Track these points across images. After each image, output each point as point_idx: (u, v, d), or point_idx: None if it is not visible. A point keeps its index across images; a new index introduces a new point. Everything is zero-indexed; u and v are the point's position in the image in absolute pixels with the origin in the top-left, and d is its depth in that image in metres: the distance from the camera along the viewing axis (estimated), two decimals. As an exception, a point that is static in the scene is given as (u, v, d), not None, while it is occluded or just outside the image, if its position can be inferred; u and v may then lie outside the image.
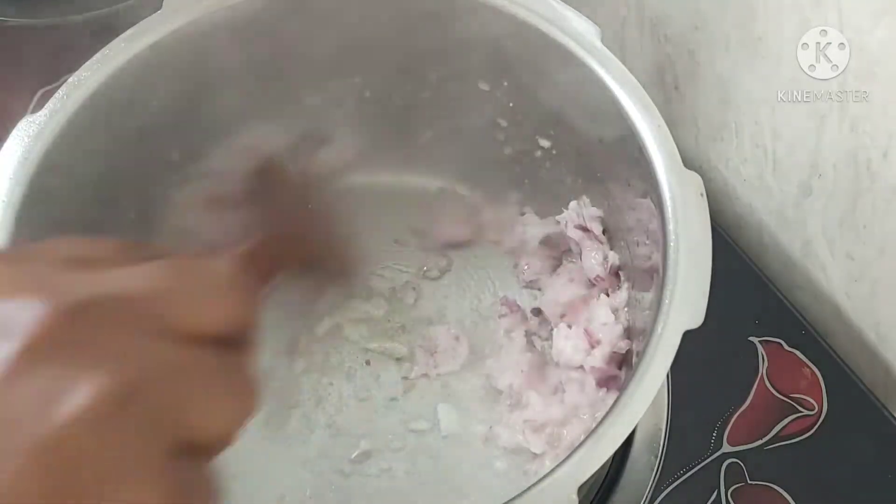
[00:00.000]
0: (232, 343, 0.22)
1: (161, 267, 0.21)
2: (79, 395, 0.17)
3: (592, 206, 0.49)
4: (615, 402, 0.33)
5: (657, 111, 0.40)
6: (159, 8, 0.44)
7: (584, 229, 0.49)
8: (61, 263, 0.21)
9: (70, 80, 0.42)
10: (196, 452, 0.20)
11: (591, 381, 0.45)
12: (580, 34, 0.42)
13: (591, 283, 0.49)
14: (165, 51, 0.44)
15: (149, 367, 0.19)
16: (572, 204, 0.50)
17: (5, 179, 0.39)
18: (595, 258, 0.48)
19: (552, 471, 0.32)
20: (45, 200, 0.40)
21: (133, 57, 0.43)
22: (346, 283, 0.47)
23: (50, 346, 0.18)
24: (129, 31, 0.43)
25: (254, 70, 0.49)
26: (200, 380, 0.20)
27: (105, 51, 0.43)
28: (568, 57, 0.42)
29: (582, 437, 0.33)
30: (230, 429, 0.21)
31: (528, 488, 0.32)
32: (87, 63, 0.42)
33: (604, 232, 0.49)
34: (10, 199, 0.39)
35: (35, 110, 0.41)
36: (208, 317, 0.21)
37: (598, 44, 0.42)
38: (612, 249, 0.48)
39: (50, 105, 0.41)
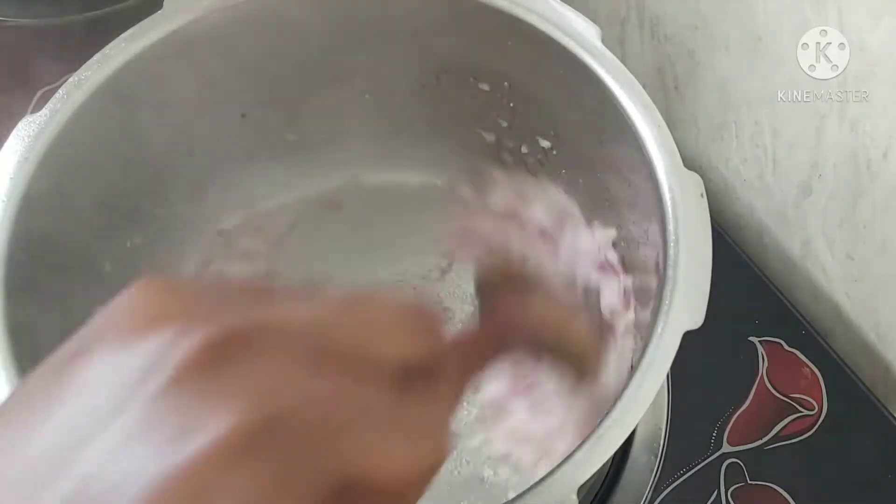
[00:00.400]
0: (422, 383, 0.20)
1: (337, 299, 0.19)
2: (212, 426, 0.16)
3: (605, 227, 0.48)
4: (614, 403, 0.33)
5: (657, 111, 0.40)
6: (160, 8, 0.44)
7: (604, 266, 0.48)
8: (216, 297, 0.19)
9: (70, 79, 0.42)
10: (376, 499, 0.17)
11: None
12: (580, 34, 0.42)
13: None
14: (166, 51, 0.44)
15: (304, 397, 0.17)
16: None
17: (5, 179, 0.39)
18: (614, 293, 0.47)
19: (551, 472, 0.32)
20: (45, 200, 0.40)
21: (133, 57, 0.43)
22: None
23: (196, 376, 0.16)
24: (129, 31, 0.43)
25: (254, 70, 0.49)
26: (369, 415, 0.18)
27: (106, 50, 0.43)
28: (568, 57, 0.42)
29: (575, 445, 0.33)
30: (411, 474, 0.18)
31: (527, 489, 0.32)
32: (88, 63, 0.42)
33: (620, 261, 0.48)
34: (10, 199, 0.39)
35: (35, 110, 0.41)
36: (384, 346, 0.19)
37: (599, 44, 0.42)
38: (625, 273, 0.47)
39: (50, 105, 0.41)
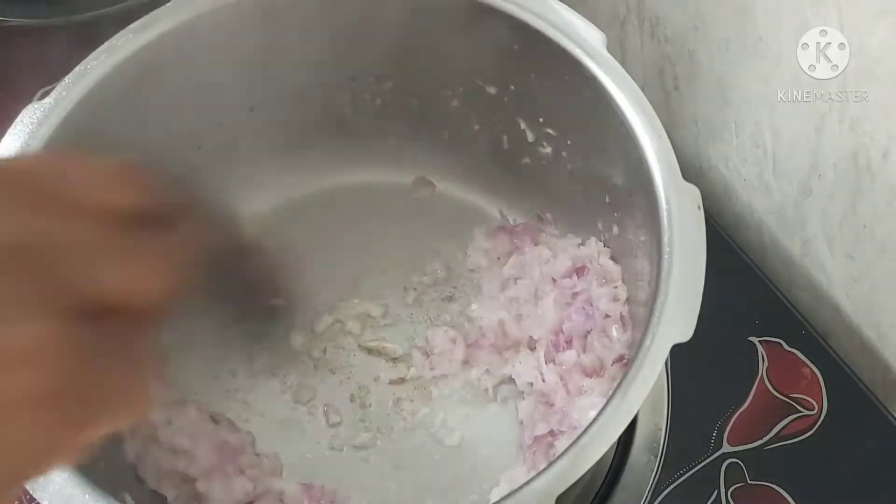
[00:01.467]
0: (154, 228, 0.22)
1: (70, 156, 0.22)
2: None
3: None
4: (598, 414, 0.33)
5: (659, 122, 0.40)
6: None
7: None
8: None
9: (77, 68, 0.42)
10: (117, 315, 0.20)
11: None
12: (586, 41, 0.42)
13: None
14: (172, 42, 0.44)
15: (30, 232, 0.19)
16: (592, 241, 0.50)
17: None
18: (607, 295, 0.47)
19: (528, 482, 0.32)
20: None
21: (140, 48, 0.43)
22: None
23: None
24: (137, 23, 0.43)
25: (259, 64, 0.49)
26: (95, 245, 0.20)
27: (113, 41, 0.43)
28: (573, 64, 0.42)
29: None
30: (145, 293, 0.21)
31: (505, 497, 0.32)
32: (95, 52, 0.43)
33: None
34: None
35: (35, 110, 0.42)
36: (106, 193, 0.21)
37: (604, 52, 0.42)
38: (623, 282, 0.48)
39: (55, 92, 0.41)
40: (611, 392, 0.34)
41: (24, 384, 0.18)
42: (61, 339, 0.18)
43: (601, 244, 0.49)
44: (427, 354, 0.52)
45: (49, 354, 0.18)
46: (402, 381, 0.51)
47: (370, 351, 0.52)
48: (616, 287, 0.47)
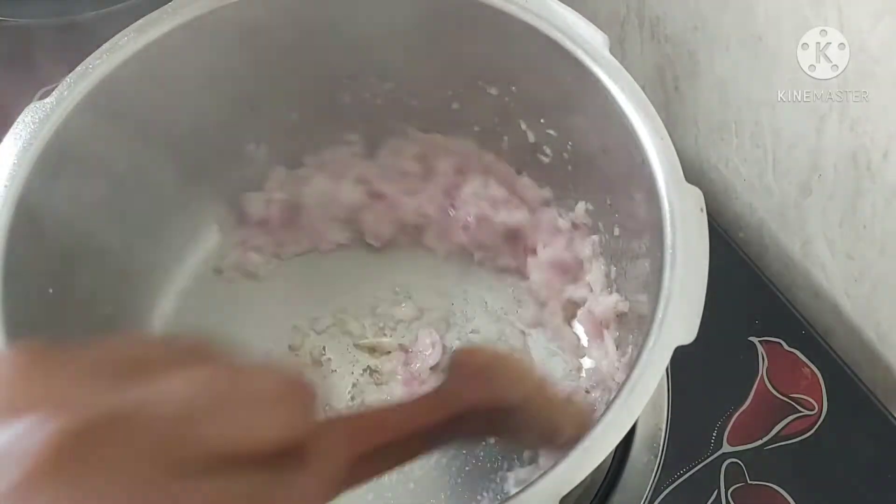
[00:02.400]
0: (293, 462, 0.21)
1: (197, 380, 0.20)
2: None
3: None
4: (601, 416, 0.33)
5: (661, 123, 0.40)
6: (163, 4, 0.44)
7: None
8: (89, 371, 0.20)
9: (78, 68, 0.42)
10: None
11: None
12: (588, 43, 0.42)
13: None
14: (174, 42, 0.44)
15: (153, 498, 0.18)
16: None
17: (9, 163, 0.39)
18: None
19: (533, 482, 0.32)
20: (48, 183, 0.41)
21: (142, 48, 0.43)
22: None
23: (51, 473, 0.17)
24: (138, 23, 0.44)
25: (261, 64, 0.49)
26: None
27: (115, 40, 0.43)
28: (575, 65, 0.42)
29: None
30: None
31: (509, 498, 0.32)
32: (97, 52, 0.43)
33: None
34: (13, 183, 0.39)
35: (35, 110, 0.42)
36: (235, 441, 0.20)
37: (607, 53, 0.42)
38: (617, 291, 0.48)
39: (56, 92, 0.41)
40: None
41: None
42: None
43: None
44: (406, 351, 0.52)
45: None
46: (394, 374, 0.51)
47: (371, 350, 0.52)
48: None
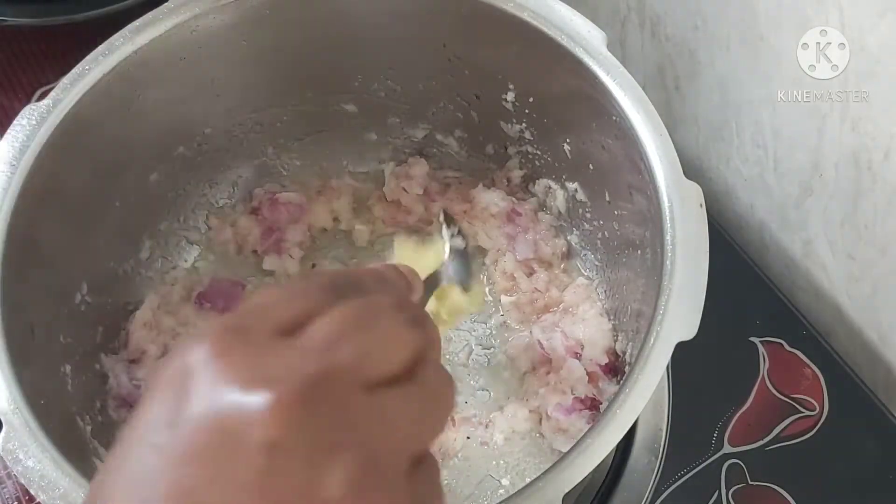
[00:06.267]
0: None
1: (353, 320, 0.22)
2: (336, 479, 0.19)
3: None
4: (604, 412, 0.33)
5: (660, 120, 0.40)
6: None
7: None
8: (274, 335, 0.22)
9: (75, 69, 0.42)
10: (420, 462, 0.22)
11: None
12: (587, 40, 0.42)
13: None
14: (171, 42, 0.44)
15: (374, 426, 0.21)
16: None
17: (6, 164, 0.39)
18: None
19: (535, 480, 0.32)
20: (46, 183, 0.40)
21: (139, 48, 0.43)
22: None
23: (290, 442, 0.19)
24: (135, 23, 0.43)
25: (258, 65, 0.49)
26: (413, 410, 0.22)
27: (111, 41, 0.43)
28: (574, 63, 0.42)
29: None
30: (439, 430, 0.23)
31: (512, 496, 0.32)
32: (94, 52, 0.43)
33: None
34: (11, 183, 0.39)
35: (35, 110, 0.41)
36: (397, 360, 0.22)
37: (604, 50, 0.42)
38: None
39: (54, 93, 0.41)
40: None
41: None
42: None
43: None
44: None
45: None
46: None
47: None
48: None
